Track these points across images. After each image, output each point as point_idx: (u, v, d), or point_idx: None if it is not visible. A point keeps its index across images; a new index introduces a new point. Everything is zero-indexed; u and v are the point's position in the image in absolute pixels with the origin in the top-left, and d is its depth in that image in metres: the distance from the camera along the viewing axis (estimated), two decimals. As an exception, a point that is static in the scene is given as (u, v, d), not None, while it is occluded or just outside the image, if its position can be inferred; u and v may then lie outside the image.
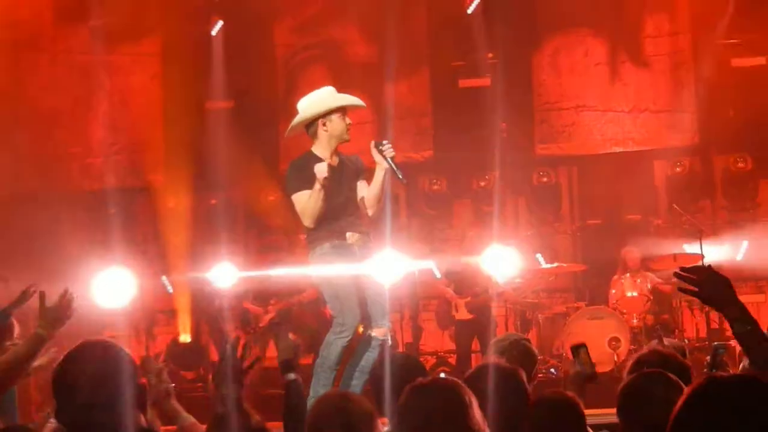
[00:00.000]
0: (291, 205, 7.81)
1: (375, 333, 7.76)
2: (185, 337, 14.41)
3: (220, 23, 16.29)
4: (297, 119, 7.81)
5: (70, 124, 16.26)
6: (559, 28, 15.99)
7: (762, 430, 2.23)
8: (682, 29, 15.78)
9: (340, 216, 7.75)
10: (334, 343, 7.67)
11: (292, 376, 5.32)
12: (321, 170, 7.55)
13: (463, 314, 12.90)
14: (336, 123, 7.80)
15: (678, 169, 15.59)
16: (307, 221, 7.65)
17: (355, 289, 7.71)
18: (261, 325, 13.21)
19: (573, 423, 4.33)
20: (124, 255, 15.64)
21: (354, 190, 7.90)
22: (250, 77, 16.28)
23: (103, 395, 2.93)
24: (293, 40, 16.85)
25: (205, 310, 14.69)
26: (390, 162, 7.67)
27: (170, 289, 15.60)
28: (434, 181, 16.20)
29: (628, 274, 13.29)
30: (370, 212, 7.89)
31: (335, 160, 7.86)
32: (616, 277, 13.41)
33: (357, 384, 7.62)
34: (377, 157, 7.72)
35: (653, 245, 14.84)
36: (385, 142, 7.73)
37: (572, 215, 16.24)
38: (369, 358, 7.71)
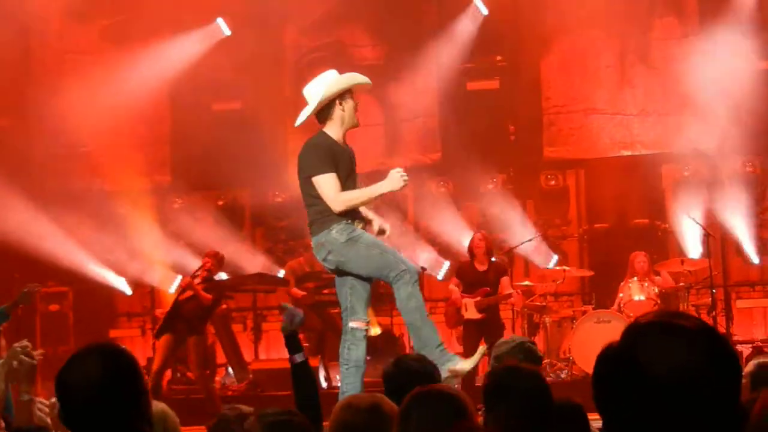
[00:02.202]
0: (306, 184, 7.65)
1: (357, 325, 7.69)
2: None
3: (222, 22, 16.33)
4: (316, 101, 7.69)
5: (78, 125, 16.26)
6: (568, 31, 15.96)
7: None
8: (692, 32, 15.75)
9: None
10: (413, 291, 7.53)
11: (299, 357, 5.16)
12: (394, 182, 7.57)
13: (472, 313, 12.87)
14: (350, 103, 7.77)
15: (686, 172, 15.56)
16: (340, 207, 7.52)
17: (382, 244, 7.68)
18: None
19: (578, 427, 4.31)
20: (133, 254, 15.71)
21: (352, 174, 7.82)
22: (258, 78, 16.28)
23: (106, 398, 2.92)
24: (301, 42, 16.86)
25: (211, 311, 14.68)
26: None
27: (172, 289, 15.63)
28: (441, 183, 16.18)
29: (635, 278, 13.26)
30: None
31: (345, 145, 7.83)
32: (624, 281, 13.39)
33: (355, 381, 7.57)
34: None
35: (660, 249, 14.84)
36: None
37: (580, 219, 16.21)
38: (359, 352, 7.64)
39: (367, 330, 7.80)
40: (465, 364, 7.41)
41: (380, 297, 14.22)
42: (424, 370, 5.21)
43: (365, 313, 7.81)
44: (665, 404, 2.00)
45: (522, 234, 14.82)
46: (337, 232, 7.56)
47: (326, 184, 7.52)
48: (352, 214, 7.64)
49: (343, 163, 7.63)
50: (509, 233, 15.46)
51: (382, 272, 7.59)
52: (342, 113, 7.73)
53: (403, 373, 5.14)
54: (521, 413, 4.09)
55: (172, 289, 15.44)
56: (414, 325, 7.59)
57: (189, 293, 12.49)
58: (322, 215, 7.60)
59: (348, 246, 7.55)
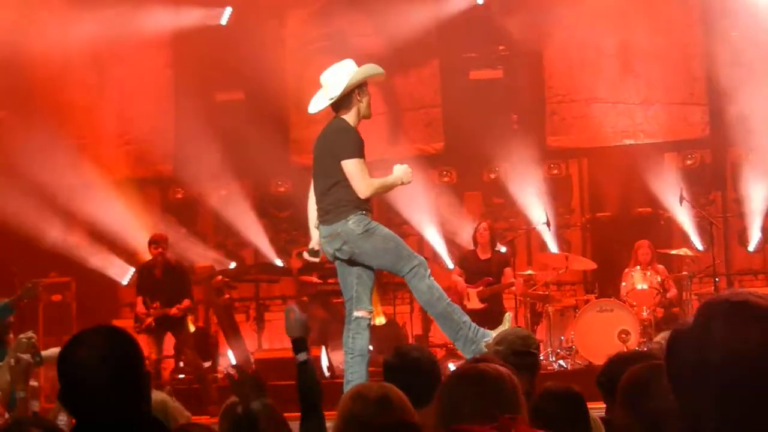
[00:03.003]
0: (332, 167, 7.69)
1: (362, 314, 7.76)
2: (190, 328, 14.41)
3: (229, 10, 16.30)
4: (338, 89, 7.74)
5: (82, 115, 16.28)
6: (571, 21, 15.94)
7: None
8: (694, 21, 15.73)
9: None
10: (430, 282, 7.64)
11: (303, 356, 5.11)
12: (405, 174, 7.75)
13: (474, 303, 12.89)
14: (366, 94, 7.87)
15: (689, 161, 15.57)
16: (367, 192, 7.59)
17: (396, 237, 7.81)
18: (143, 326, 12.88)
19: (577, 415, 4.32)
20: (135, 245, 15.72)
21: None
22: (260, 68, 16.27)
23: (107, 381, 2.92)
24: (303, 32, 16.85)
25: (213, 301, 14.71)
26: None
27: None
28: (444, 172, 16.19)
29: (638, 267, 13.26)
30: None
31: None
32: (627, 269, 13.39)
33: (360, 370, 7.60)
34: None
35: (663, 238, 14.83)
36: None
37: (582, 207, 16.21)
38: (363, 341, 7.72)
39: (371, 319, 7.83)
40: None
41: (384, 286, 14.26)
42: (424, 359, 5.21)
43: (370, 303, 7.87)
44: (741, 380, 2.01)
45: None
46: (354, 223, 7.61)
47: (357, 167, 7.58)
48: (366, 205, 7.71)
49: (363, 152, 7.71)
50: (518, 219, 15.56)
51: (395, 266, 7.68)
52: (359, 104, 7.82)
53: (404, 362, 5.14)
54: None
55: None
56: (443, 314, 7.66)
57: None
58: (337, 205, 7.65)
59: (364, 237, 7.62)
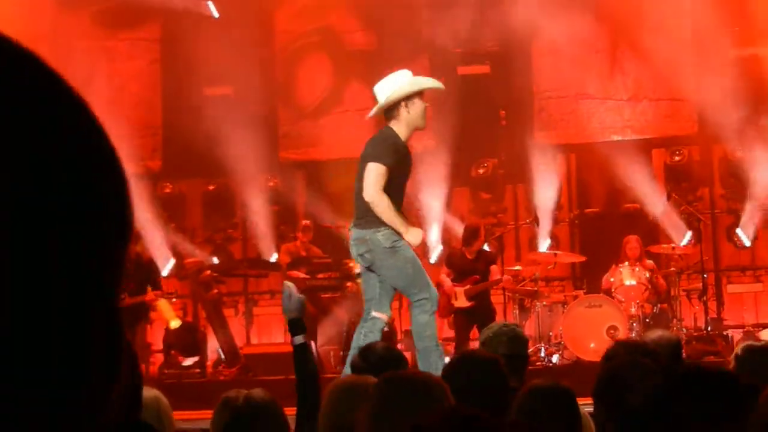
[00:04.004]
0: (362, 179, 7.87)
1: (379, 316, 7.94)
2: (175, 323, 14.41)
3: (211, 4, 16.29)
4: (383, 102, 7.94)
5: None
6: (559, 16, 15.94)
7: None
8: (684, 17, 15.74)
9: (398, 205, 7.96)
10: (430, 320, 7.91)
11: (300, 339, 5.09)
12: (416, 239, 7.91)
13: (462, 302, 12.92)
14: (417, 106, 8.01)
15: (677, 158, 15.59)
16: (369, 199, 7.76)
17: (418, 263, 8.01)
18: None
19: (566, 411, 4.32)
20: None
21: (407, 179, 8.19)
22: (249, 63, 16.26)
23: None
24: (292, 27, 16.84)
25: (201, 296, 14.71)
26: None
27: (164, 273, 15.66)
28: (433, 168, 16.18)
29: (626, 263, 13.29)
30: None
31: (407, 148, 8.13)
32: (615, 265, 13.42)
33: None
34: None
35: (652, 234, 14.86)
36: None
37: (570, 203, 16.22)
38: (376, 337, 7.80)
39: (387, 325, 8.01)
40: None
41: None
42: (390, 359, 5.20)
43: (389, 308, 8.10)
44: None
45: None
46: (383, 236, 7.83)
47: (374, 172, 7.76)
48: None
49: (404, 164, 7.98)
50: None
51: (407, 290, 7.95)
52: (407, 115, 7.98)
53: (369, 363, 5.14)
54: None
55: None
56: (426, 350, 7.86)
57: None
58: (372, 213, 7.82)
59: (388, 253, 7.84)
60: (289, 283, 5.47)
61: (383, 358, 5.25)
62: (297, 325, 5.16)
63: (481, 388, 4.27)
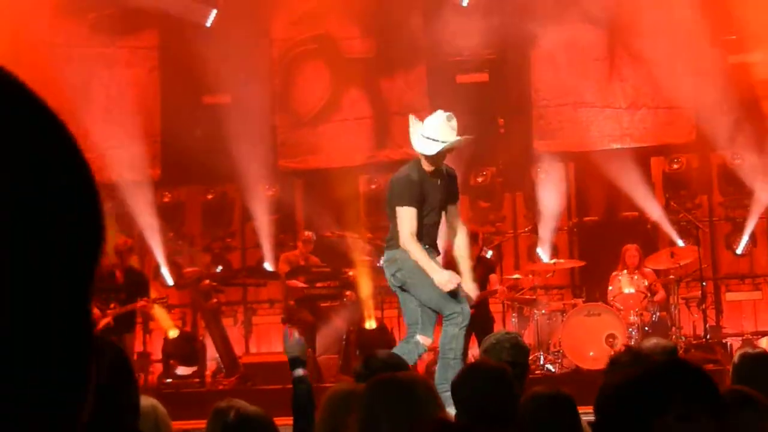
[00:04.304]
0: (392, 212, 8.19)
1: (423, 341, 8.19)
2: (173, 333, 14.43)
3: (214, 12, 16.30)
4: (413, 141, 8.24)
5: (68, 118, 16.23)
6: (558, 24, 15.96)
7: None
8: (681, 25, 15.75)
9: (423, 234, 8.17)
10: (459, 334, 8.11)
11: (300, 372, 5.23)
12: (444, 282, 8.00)
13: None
14: (440, 154, 8.15)
15: (676, 165, 15.59)
16: (405, 246, 8.01)
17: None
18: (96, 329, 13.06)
19: (567, 418, 4.31)
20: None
21: (440, 206, 8.34)
22: (247, 71, 16.28)
23: (95, 394, 2.89)
24: (290, 35, 16.84)
25: (200, 305, 14.69)
26: None
27: (170, 282, 15.67)
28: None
29: (625, 271, 13.29)
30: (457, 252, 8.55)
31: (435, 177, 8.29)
32: (614, 273, 13.42)
33: None
34: None
35: (650, 242, 14.86)
36: None
37: (569, 211, 16.21)
38: (411, 360, 7.94)
39: (426, 350, 8.33)
40: None
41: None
42: (393, 365, 5.22)
43: (432, 334, 8.32)
44: None
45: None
46: (405, 262, 8.07)
47: (404, 217, 8.03)
48: (428, 240, 8.19)
49: (431, 195, 8.18)
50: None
51: (439, 305, 8.14)
52: (430, 158, 8.16)
53: (373, 369, 5.15)
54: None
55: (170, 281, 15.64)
56: (445, 362, 8.07)
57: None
58: (395, 240, 8.12)
59: (418, 270, 8.02)
60: (289, 327, 5.63)
61: (386, 364, 5.29)
62: (296, 362, 5.29)
63: (489, 397, 4.27)
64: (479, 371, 4.57)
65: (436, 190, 8.25)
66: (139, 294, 13.20)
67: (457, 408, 4.32)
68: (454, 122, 8.18)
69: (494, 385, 4.39)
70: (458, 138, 8.20)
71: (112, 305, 12.93)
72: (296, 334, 5.44)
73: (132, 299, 13.05)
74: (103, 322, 12.73)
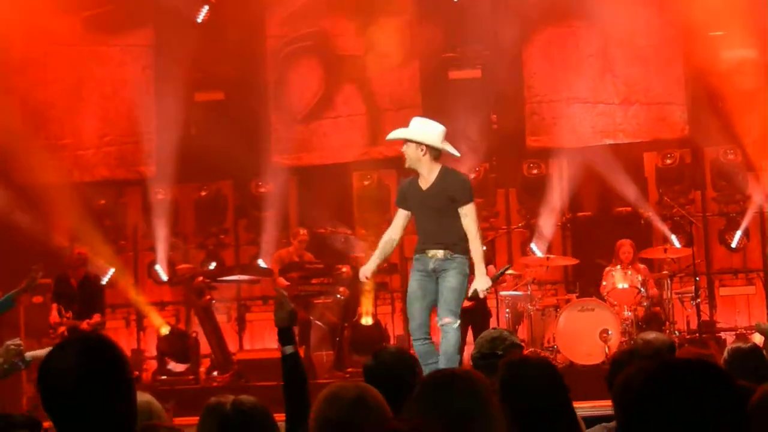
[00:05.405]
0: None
1: (445, 321, 8.69)
2: (165, 330, 14.44)
3: (206, 8, 16.28)
4: (410, 135, 9.23)
5: (62, 116, 16.25)
6: (551, 20, 15.97)
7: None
8: (674, 21, 15.76)
9: (423, 236, 8.95)
10: (458, 338, 8.80)
11: (290, 349, 5.13)
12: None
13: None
14: (428, 156, 9.04)
15: (669, 161, 15.61)
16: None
17: None
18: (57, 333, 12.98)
19: (563, 414, 4.32)
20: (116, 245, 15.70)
21: (437, 209, 8.88)
22: (240, 68, 16.28)
23: (83, 389, 2.88)
24: (283, 32, 16.82)
25: (194, 302, 14.69)
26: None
27: (164, 277, 15.67)
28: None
29: (619, 266, 13.30)
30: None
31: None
32: (608, 268, 13.43)
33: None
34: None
35: (644, 237, 14.88)
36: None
37: (562, 207, 16.22)
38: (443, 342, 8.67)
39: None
40: None
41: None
42: (403, 362, 5.21)
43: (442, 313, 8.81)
44: None
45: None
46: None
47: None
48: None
49: (410, 200, 9.04)
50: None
51: (451, 310, 8.69)
52: (419, 158, 8.99)
53: (382, 365, 5.14)
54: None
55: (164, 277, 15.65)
56: (452, 354, 8.65)
57: None
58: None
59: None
60: (281, 291, 5.49)
61: (394, 356, 5.29)
62: (286, 335, 5.17)
63: (538, 390, 4.29)
64: (529, 367, 4.52)
65: (411, 194, 9.14)
66: (93, 307, 13.13)
67: (506, 403, 4.26)
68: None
69: (542, 379, 4.38)
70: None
71: (68, 314, 12.87)
72: (287, 300, 5.30)
73: (85, 312, 12.97)
74: (60, 330, 12.68)
